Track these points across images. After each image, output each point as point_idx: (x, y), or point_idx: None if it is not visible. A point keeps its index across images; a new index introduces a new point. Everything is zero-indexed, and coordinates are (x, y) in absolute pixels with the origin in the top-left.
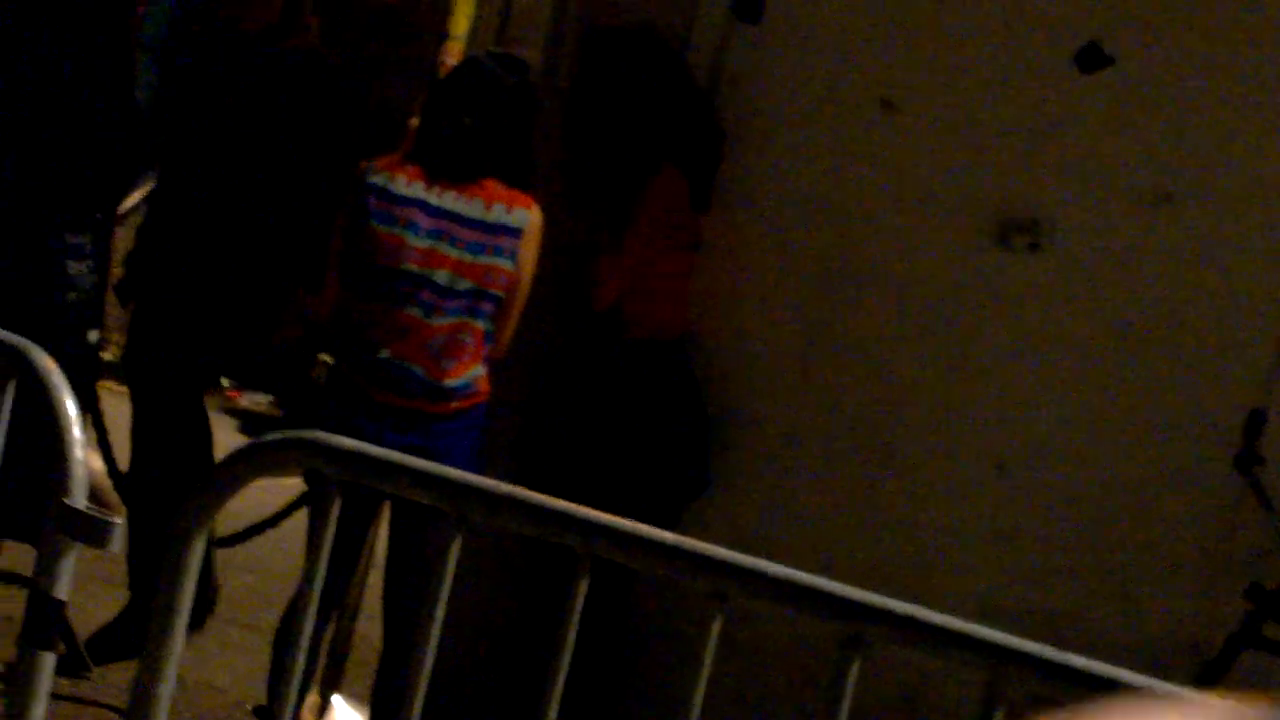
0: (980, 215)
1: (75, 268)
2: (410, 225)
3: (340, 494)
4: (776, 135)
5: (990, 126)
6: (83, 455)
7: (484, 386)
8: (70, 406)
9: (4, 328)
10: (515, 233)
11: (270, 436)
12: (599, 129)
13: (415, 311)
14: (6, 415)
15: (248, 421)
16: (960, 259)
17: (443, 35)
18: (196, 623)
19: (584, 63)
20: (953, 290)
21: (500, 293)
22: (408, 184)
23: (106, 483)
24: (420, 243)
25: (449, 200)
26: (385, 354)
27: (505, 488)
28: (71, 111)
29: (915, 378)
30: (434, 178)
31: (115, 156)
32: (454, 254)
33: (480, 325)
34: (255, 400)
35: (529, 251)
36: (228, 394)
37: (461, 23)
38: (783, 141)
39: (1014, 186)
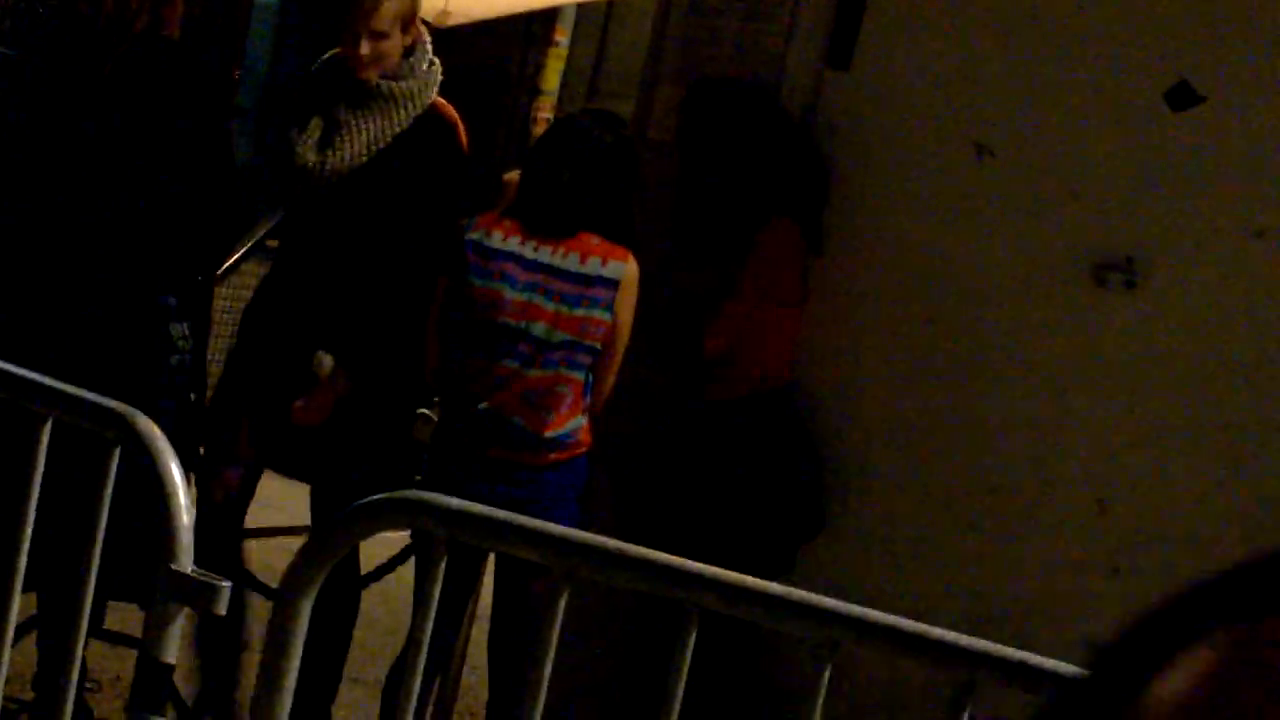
0: (1076, 255)
1: (176, 330)
2: (506, 278)
3: (446, 551)
4: (872, 183)
5: (1084, 167)
6: (189, 521)
7: (585, 438)
8: (176, 472)
9: (107, 392)
10: (611, 284)
11: (376, 498)
12: (708, 180)
13: (513, 364)
14: (112, 480)
15: None
16: (1058, 299)
17: (534, 90)
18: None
19: (689, 115)
20: (1051, 330)
21: (597, 344)
22: (504, 239)
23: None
24: (517, 296)
25: (545, 254)
26: (485, 405)
27: (612, 543)
28: (173, 174)
29: (1016, 418)
30: (531, 232)
31: (215, 217)
32: (550, 307)
33: (578, 377)
34: None
35: (626, 303)
36: None
37: (552, 78)
38: (879, 189)
39: (1109, 225)
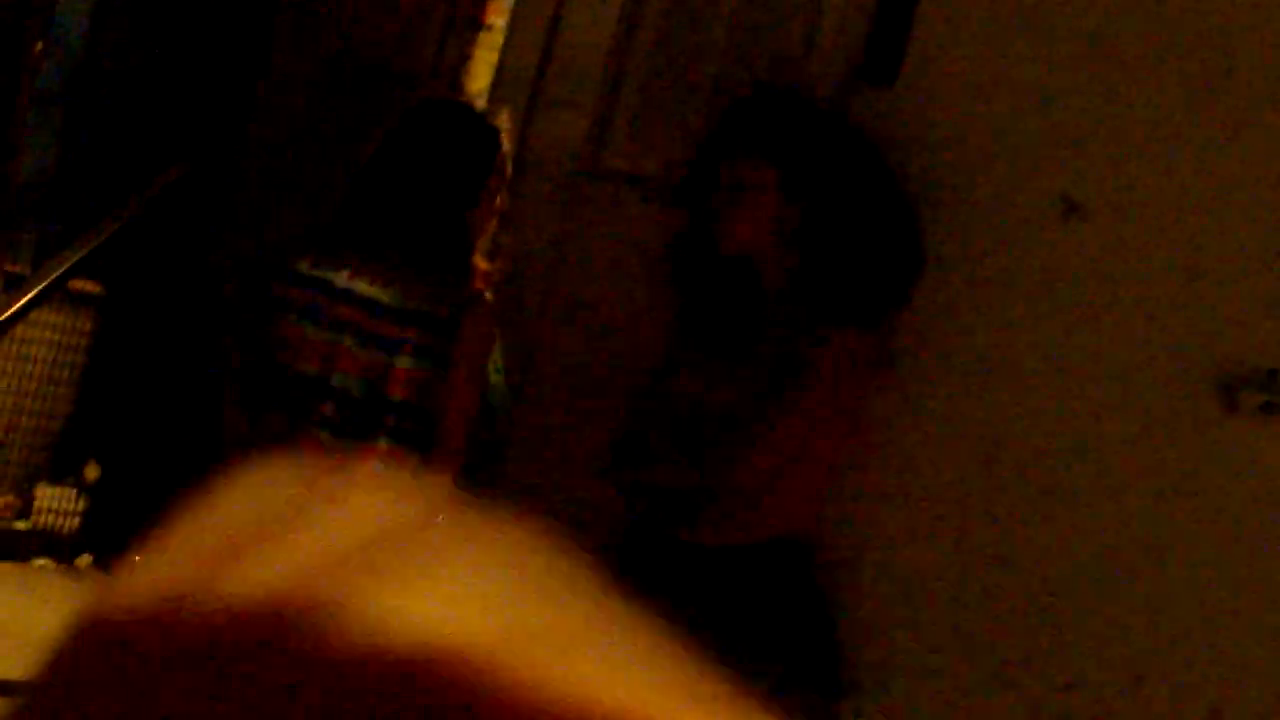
0: (1197, 363)
1: None
2: (309, 313)
3: None
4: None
5: (1209, 239)
6: None
7: None
8: None
9: None
10: (443, 326)
11: None
12: (751, 244)
13: (317, 429)
14: None
15: None
16: (1168, 421)
17: (454, 89)
18: None
19: (727, 147)
20: (1157, 464)
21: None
22: (311, 265)
23: None
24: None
25: (360, 284)
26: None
27: None
28: None
29: (1106, 585)
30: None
31: None
32: (361, 352)
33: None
34: None
35: (466, 351)
36: None
37: (481, 75)
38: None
39: (1243, 323)
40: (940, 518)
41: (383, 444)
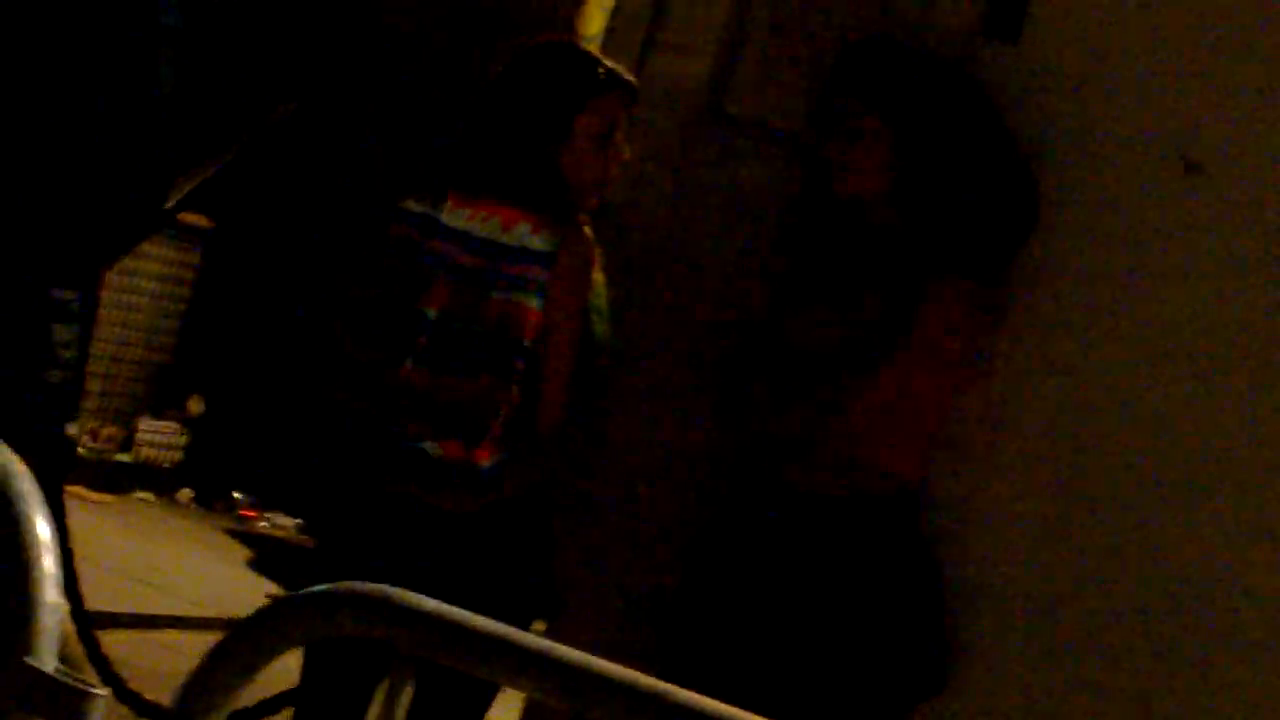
0: None
1: (63, 332)
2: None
3: (414, 674)
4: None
5: None
6: (55, 599)
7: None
8: (43, 530)
9: None
10: (545, 260)
11: (315, 590)
12: (869, 191)
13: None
14: None
15: (266, 553)
16: None
17: (568, 35)
18: None
19: (845, 91)
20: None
21: (525, 340)
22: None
23: (70, 629)
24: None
25: (458, 217)
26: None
27: (656, 685)
28: (65, 122)
29: (1226, 560)
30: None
31: (128, 180)
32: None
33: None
34: (278, 523)
35: (565, 288)
36: (240, 513)
37: (594, 20)
38: (1043, 209)
39: None
40: (1045, 478)
41: (485, 379)
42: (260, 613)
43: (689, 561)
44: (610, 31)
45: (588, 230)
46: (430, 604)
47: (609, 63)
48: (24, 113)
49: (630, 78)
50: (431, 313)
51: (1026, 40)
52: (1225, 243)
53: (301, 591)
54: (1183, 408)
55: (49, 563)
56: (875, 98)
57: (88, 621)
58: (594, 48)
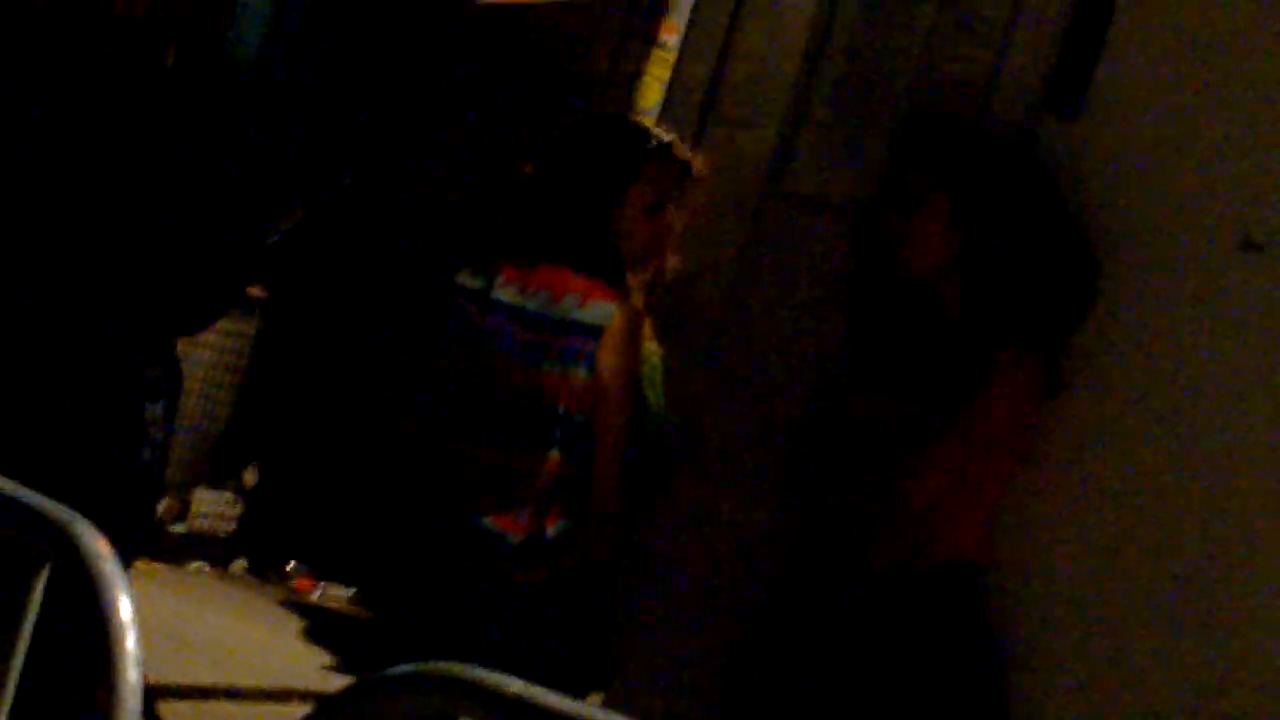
0: None
1: (151, 411)
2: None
3: None
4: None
5: None
6: (138, 677)
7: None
8: (125, 608)
9: (50, 490)
10: (593, 332)
11: (404, 670)
12: (929, 269)
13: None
14: (34, 612)
15: (321, 624)
16: None
17: (626, 107)
18: None
19: (906, 170)
20: None
21: (575, 414)
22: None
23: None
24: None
25: (508, 291)
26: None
27: None
28: (159, 196)
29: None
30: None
31: (219, 254)
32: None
33: (554, 457)
34: (333, 595)
35: (613, 358)
36: (295, 584)
37: (653, 92)
38: (1104, 283)
39: None
40: (1108, 550)
41: (554, 455)
42: (348, 691)
43: (752, 636)
44: (667, 104)
45: (637, 299)
46: (517, 685)
47: (663, 134)
48: (115, 190)
49: (684, 151)
50: (486, 388)
51: (1086, 117)
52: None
53: (389, 671)
54: (1241, 480)
55: (131, 643)
56: (938, 171)
57: (145, 693)
58: (649, 120)
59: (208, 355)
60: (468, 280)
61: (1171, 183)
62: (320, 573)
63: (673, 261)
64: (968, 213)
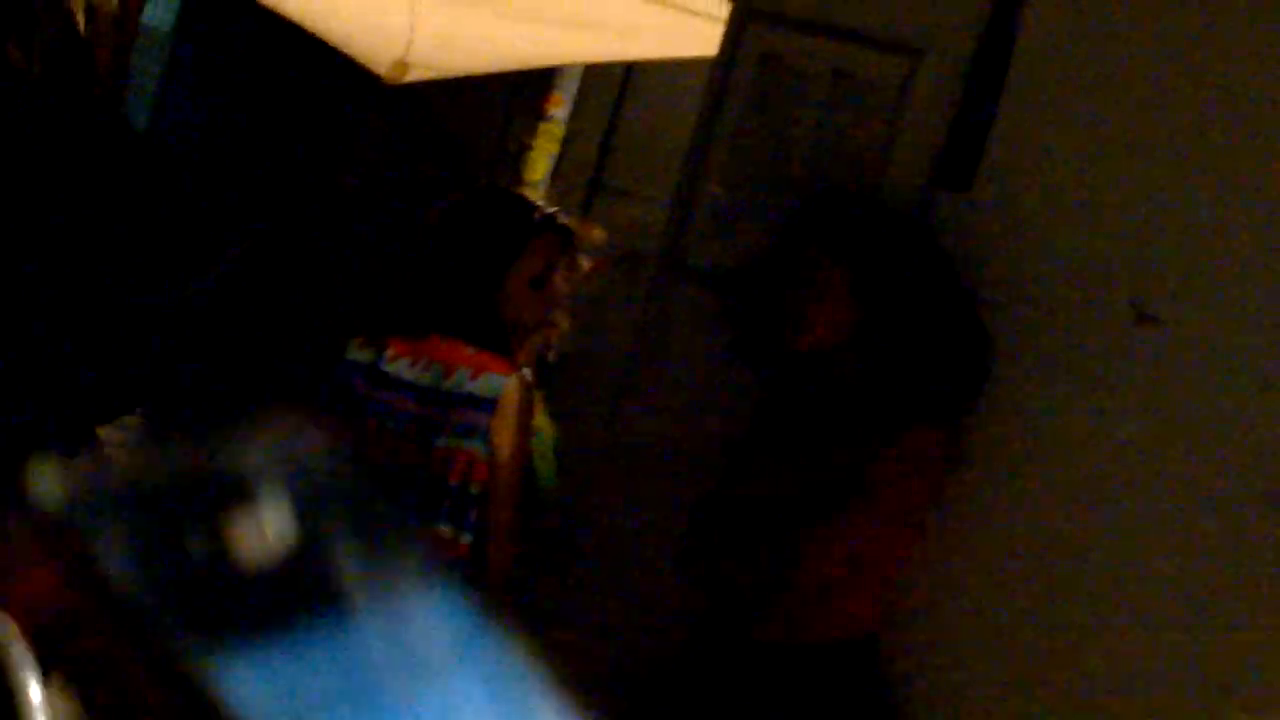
0: (1270, 474)
1: None
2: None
3: None
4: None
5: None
6: None
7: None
8: (35, 695)
9: None
10: (486, 406)
11: None
12: (824, 348)
13: None
14: None
15: None
16: (1245, 536)
17: (514, 179)
18: None
19: (802, 243)
20: (1230, 573)
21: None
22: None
23: None
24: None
25: (400, 366)
26: None
27: None
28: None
29: (1169, 679)
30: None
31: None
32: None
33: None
34: None
35: (507, 431)
36: None
37: (540, 164)
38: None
39: None
40: (1003, 623)
41: (446, 529)
42: None
43: (649, 713)
44: (556, 176)
45: (527, 374)
46: None
47: (546, 207)
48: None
49: (568, 220)
50: (379, 465)
51: (978, 189)
52: (1178, 389)
53: None
54: (1124, 538)
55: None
56: (836, 244)
57: None
58: (534, 193)
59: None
60: (357, 354)
61: (1064, 255)
62: None
63: (563, 325)
64: (866, 286)
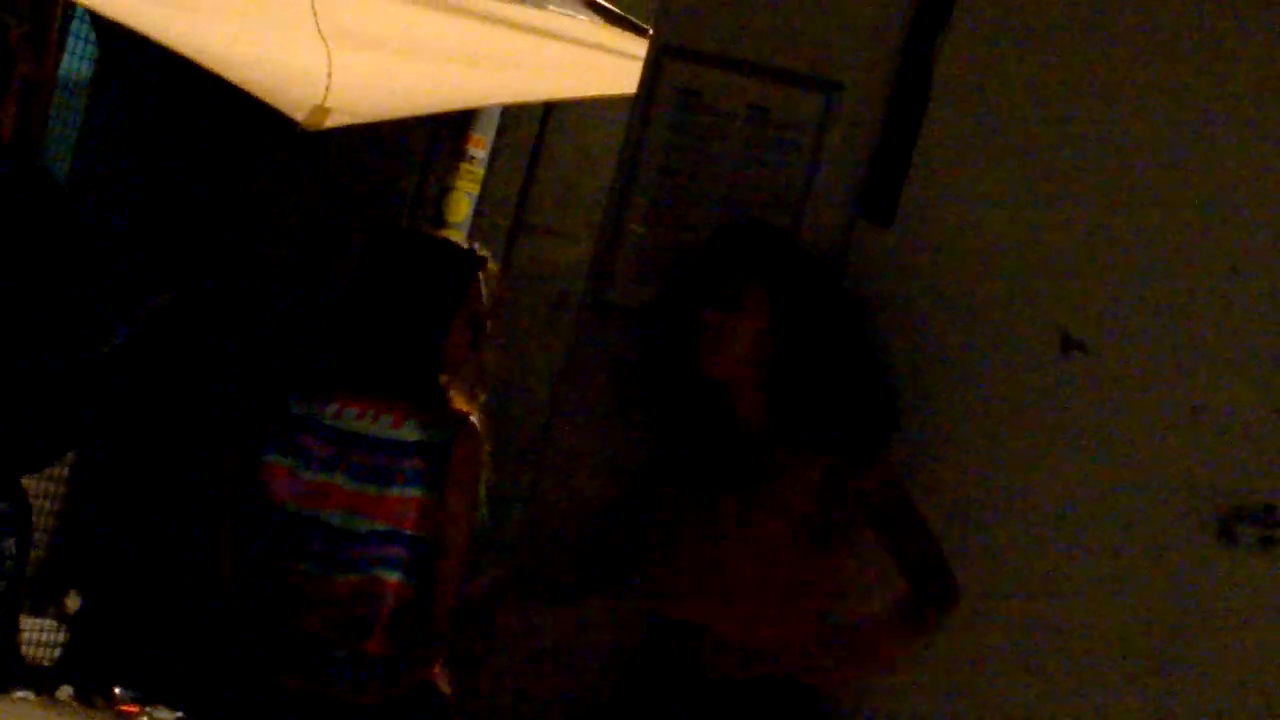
0: (1198, 499)
1: (7, 547)
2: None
3: None
4: (916, 380)
5: (1212, 379)
6: None
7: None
8: None
9: None
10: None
11: None
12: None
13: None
14: None
15: None
16: (1170, 555)
17: (437, 221)
18: None
19: (722, 273)
20: (1158, 594)
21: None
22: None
23: None
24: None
25: (347, 418)
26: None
27: None
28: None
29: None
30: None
31: (70, 392)
32: (351, 486)
33: (396, 579)
34: (158, 718)
35: (457, 477)
36: (121, 709)
37: (461, 206)
38: (924, 388)
39: (1242, 463)
40: (939, 656)
41: (392, 577)
42: None
43: None
44: (477, 216)
45: (475, 422)
46: None
47: (478, 249)
48: None
49: (486, 254)
50: (320, 514)
51: (899, 223)
52: (1102, 416)
53: None
54: (1059, 566)
55: None
56: (759, 274)
57: None
58: (457, 233)
59: (28, 482)
60: (297, 406)
61: (989, 286)
62: (147, 697)
63: (490, 359)
64: (783, 318)
